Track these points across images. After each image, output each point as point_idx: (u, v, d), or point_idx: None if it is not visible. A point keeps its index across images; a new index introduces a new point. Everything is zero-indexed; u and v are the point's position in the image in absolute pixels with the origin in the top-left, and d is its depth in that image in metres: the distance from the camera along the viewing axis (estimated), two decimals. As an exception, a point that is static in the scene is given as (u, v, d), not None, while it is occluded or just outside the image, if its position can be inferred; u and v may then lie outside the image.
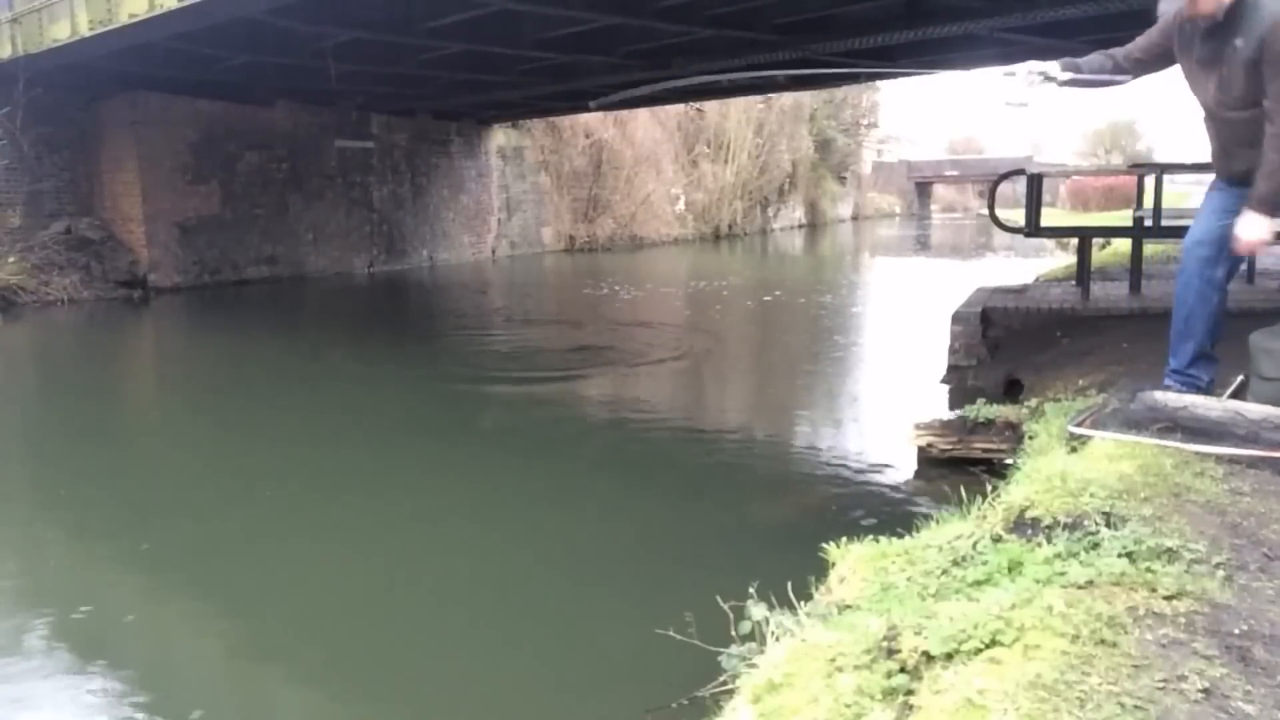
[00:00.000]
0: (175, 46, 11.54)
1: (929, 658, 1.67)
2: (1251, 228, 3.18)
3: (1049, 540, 2.20)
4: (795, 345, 10.46)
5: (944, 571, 2.22)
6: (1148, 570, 1.98)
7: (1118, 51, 3.50)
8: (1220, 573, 2.01)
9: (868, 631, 1.79)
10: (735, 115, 28.60)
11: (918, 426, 5.13)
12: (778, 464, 5.89)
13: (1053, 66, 3.51)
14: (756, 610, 2.24)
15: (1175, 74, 3.48)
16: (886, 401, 6.99)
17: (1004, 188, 8.49)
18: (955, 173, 54.15)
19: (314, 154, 17.40)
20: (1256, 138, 3.15)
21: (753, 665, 1.94)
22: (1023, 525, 2.36)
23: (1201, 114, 3.46)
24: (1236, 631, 1.76)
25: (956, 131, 64.09)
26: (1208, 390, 3.41)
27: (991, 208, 8.08)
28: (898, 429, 5.50)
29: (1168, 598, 1.87)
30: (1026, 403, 4.92)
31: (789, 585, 2.39)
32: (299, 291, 15.95)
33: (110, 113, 14.85)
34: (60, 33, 12.21)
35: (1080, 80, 3.47)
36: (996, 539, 2.31)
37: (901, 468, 5.23)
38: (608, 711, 2.95)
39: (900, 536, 2.57)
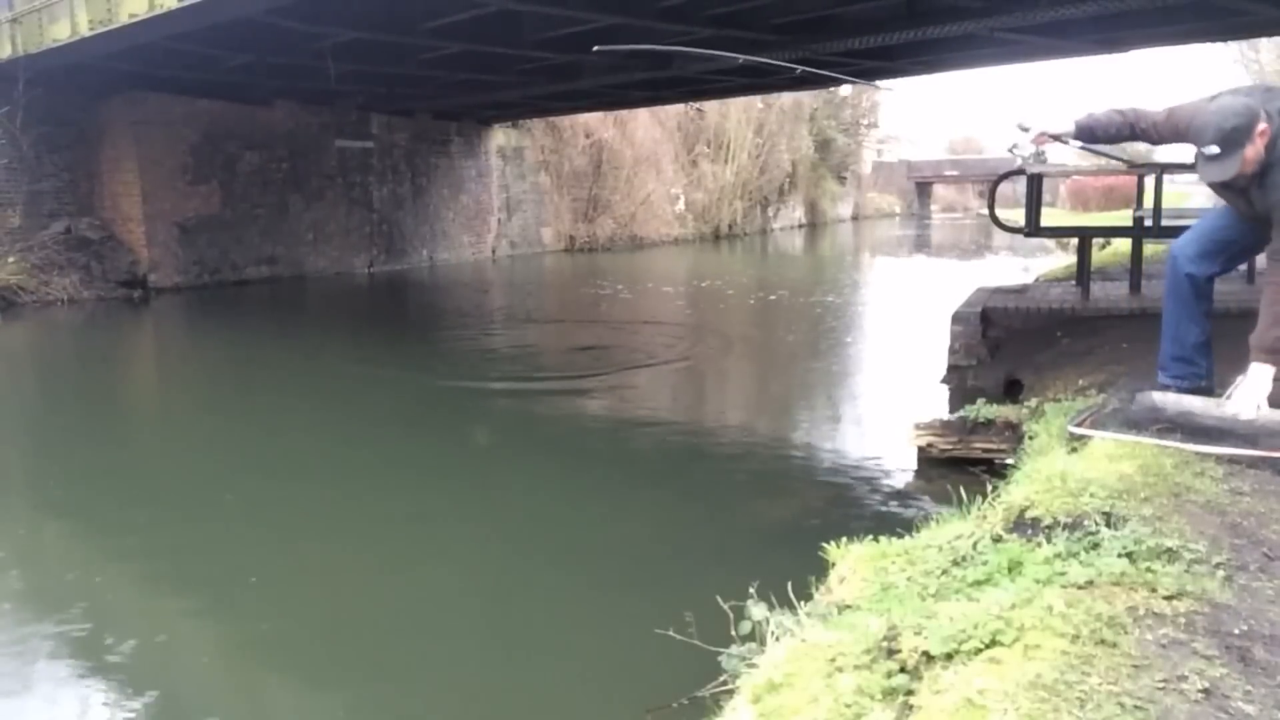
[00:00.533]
0: (175, 46, 11.54)
1: (929, 658, 1.67)
2: (1257, 382, 3.09)
3: (1049, 540, 2.20)
4: (796, 345, 10.46)
5: (944, 571, 2.21)
6: (1148, 570, 1.97)
7: (1138, 120, 3.44)
8: (1220, 573, 2.01)
9: (868, 631, 1.79)
10: (735, 115, 28.57)
11: (918, 426, 5.13)
12: (778, 464, 5.89)
13: (1067, 128, 3.49)
14: (756, 610, 2.24)
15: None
16: (887, 401, 6.99)
17: (1004, 188, 8.46)
18: (955, 173, 54.03)
19: (314, 154, 17.40)
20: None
21: (753, 665, 1.94)
22: (1023, 525, 2.36)
23: None
24: (1236, 631, 1.76)
25: (956, 131, 64.07)
26: (1207, 376, 3.41)
27: (991, 208, 8.05)
28: (898, 429, 5.50)
29: (1168, 598, 1.87)
30: (1026, 403, 4.91)
31: (789, 585, 2.38)
32: (299, 291, 15.96)
33: (110, 113, 14.84)
34: (60, 33, 12.19)
35: (1092, 149, 3.45)
36: (996, 539, 2.30)
37: (901, 468, 5.23)
38: (608, 711, 2.95)
39: (900, 536, 2.57)
